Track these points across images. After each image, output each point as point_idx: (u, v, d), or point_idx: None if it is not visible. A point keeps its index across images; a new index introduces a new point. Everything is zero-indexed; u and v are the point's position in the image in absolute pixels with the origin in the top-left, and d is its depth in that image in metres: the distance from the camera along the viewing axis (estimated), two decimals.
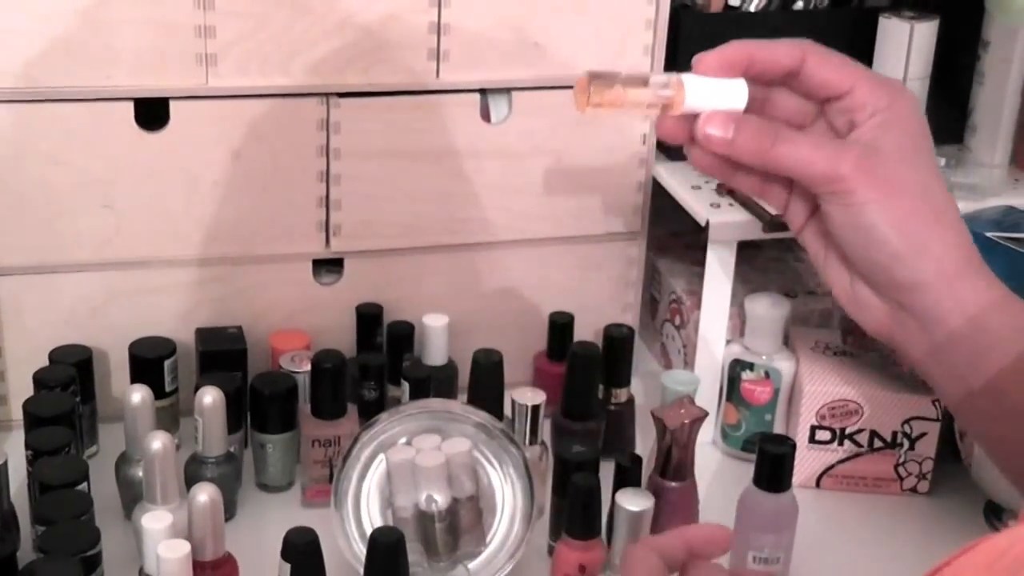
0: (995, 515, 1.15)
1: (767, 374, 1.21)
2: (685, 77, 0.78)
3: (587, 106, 0.78)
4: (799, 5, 1.30)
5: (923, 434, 1.17)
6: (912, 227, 0.78)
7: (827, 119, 0.83)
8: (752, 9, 1.29)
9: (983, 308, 0.79)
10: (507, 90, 1.22)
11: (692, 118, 0.79)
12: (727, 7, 1.28)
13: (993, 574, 0.50)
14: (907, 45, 1.26)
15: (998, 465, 0.87)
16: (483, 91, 1.21)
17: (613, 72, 0.78)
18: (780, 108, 0.83)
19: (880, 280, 0.81)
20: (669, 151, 1.31)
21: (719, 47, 0.80)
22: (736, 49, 0.79)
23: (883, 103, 0.79)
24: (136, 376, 1.15)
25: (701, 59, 0.80)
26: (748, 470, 1.07)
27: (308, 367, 1.15)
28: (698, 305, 1.24)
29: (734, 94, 0.77)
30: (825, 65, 0.80)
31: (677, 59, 1.26)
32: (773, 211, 1.19)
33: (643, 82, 0.77)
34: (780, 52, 0.80)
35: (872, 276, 0.81)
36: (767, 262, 1.36)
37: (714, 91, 0.77)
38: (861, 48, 1.30)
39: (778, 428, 1.22)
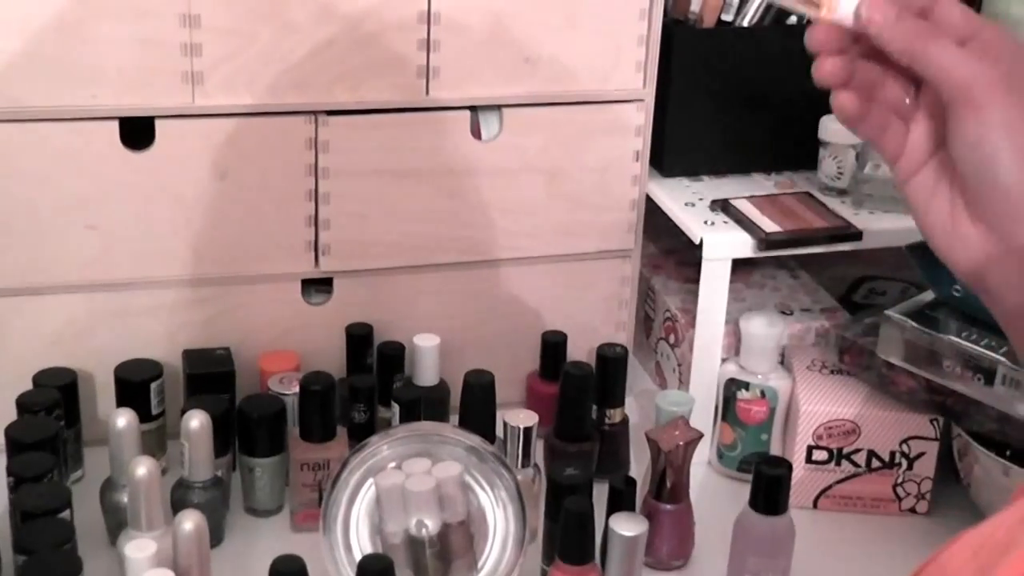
0: None
1: (763, 393, 1.19)
2: None
3: None
4: (792, 20, 1.29)
5: (921, 454, 1.16)
6: None
7: None
8: (745, 24, 1.27)
9: None
10: (498, 107, 1.20)
11: (841, 30, 0.80)
12: (720, 22, 1.27)
13: (979, 559, 0.51)
14: None
15: None
16: (473, 108, 1.20)
17: None
18: None
19: (993, 207, 0.79)
20: (662, 167, 1.29)
21: None
22: None
23: (1011, 49, 0.80)
24: (122, 399, 1.13)
25: None
26: (744, 490, 1.06)
27: (297, 389, 1.13)
28: (693, 323, 1.23)
29: None
30: (956, 7, 0.81)
31: (670, 76, 1.25)
32: (767, 230, 1.18)
33: None
34: None
35: (986, 203, 0.80)
36: (762, 279, 1.35)
37: None
38: None
39: (774, 448, 1.21)
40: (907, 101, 0.84)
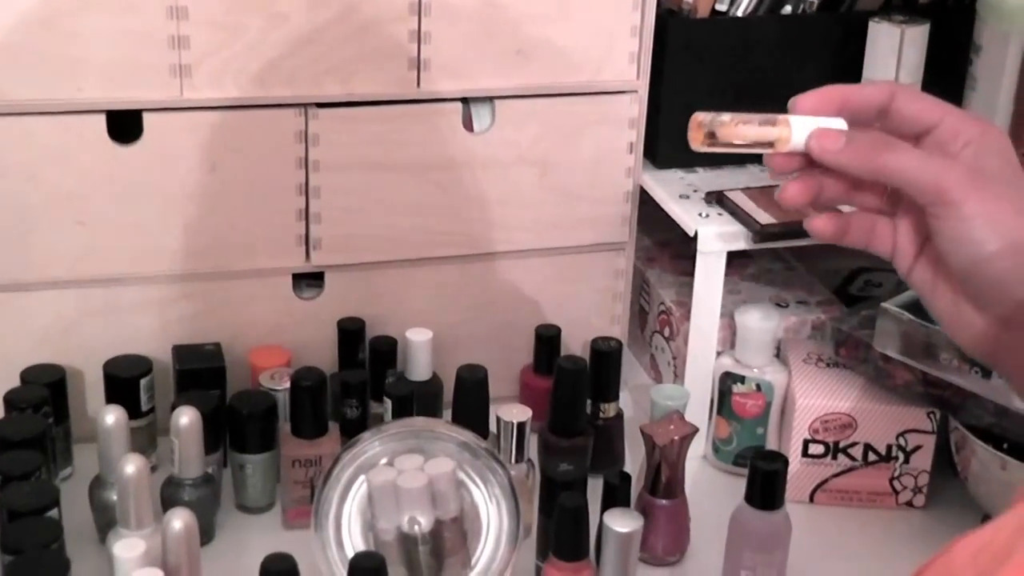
0: None
1: (758, 387, 1.18)
2: (790, 116, 0.80)
3: (702, 143, 0.80)
4: (787, 10, 1.28)
5: (918, 447, 1.15)
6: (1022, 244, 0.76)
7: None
8: (740, 14, 1.26)
9: None
10: (490, 99, 1.19)
11: (798, 154, 0.81)
12: (714, 12, 1.26)
13: (978, 564, 0.51)
14: (898, 50, 1.24)
15: None
16: (465, 100, 1.19)
17: (719, 113, 0.79)
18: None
19: (988, 296, 0.79)
20: (656, 159, 1.28)
21: (812, 91, 0.81)
22: (829, 91, 0.81)
23: (974, 132, 0.79)
24: (111, 396, 1.12)
25: (797, 101, 0.81)
26: (740, 485, 1.05)
27: (288, 385, 1.12)
28: (688, 316, 1.22)
29: (836, 127, 0.79)
30: (914, 100, 0.81)
31: (664, 66, 1.24)
32: (762, 221, 1.17)
33: (751, 120, 0.79)
34: (870, 91, 0.82)
35: (980, 293, 0.79)
36: (758, 272, 1.34)
37: (817, 121, 0.79)
38: (851, 53, 1.27)
39: (770, 442, 1.20)
40: (885, 198, 0.83)
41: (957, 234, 0.77)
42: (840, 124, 0.79)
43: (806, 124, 0.78)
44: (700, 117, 0.80)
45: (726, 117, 0.79)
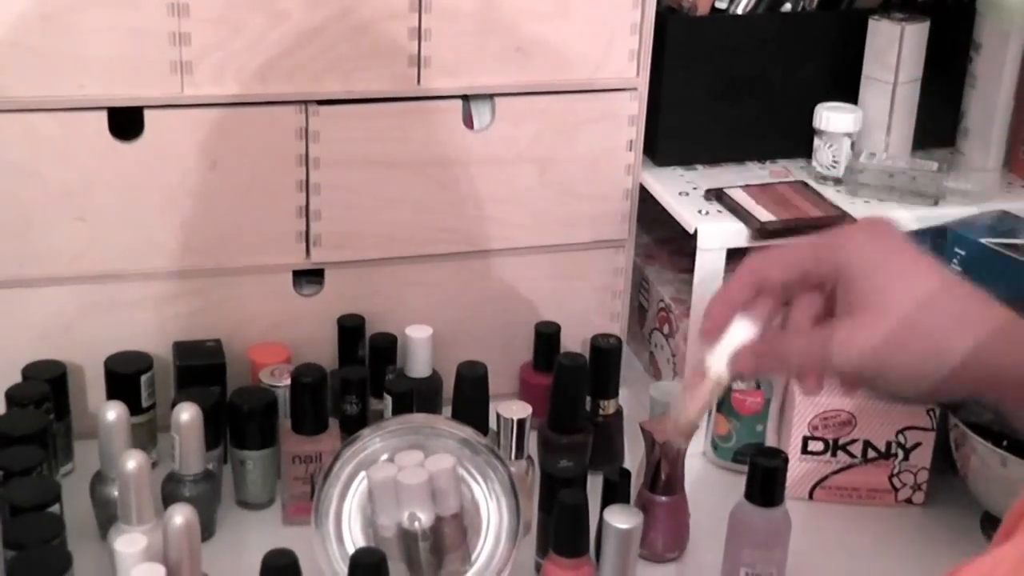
0: (992, 527, 1.13)
1: (758, 384, 1.19)
2: (707, 357, 0.85)
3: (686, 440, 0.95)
4: (787, 7, 1.28)
5: (918, 444, 1.15)
6: (917, 366, 0.78)
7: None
8: (739, 12, 1.26)
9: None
10: (490, 96, 1.19)
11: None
12: (714, 10, 1.26)
13: None
14: (897, 47, 1.24)
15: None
16: (465, 98, 1.19)
17: (669, 409, 0.89)
18: (795, 307, 0.85)
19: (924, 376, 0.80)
20: (656, 156, 1.29)
21: (705, 319, 0.84)
22: (717, 312, 0.84)
23: (830, 270, 0.81)
24: (112, 392, 1.12)
25: (703, 332, 0.85)
26: (739, 482, 1.05)
27: (288, 381, 1.12)
28: (687, 313, 1.22)
29: (742, 333, 0.83)
30: (772, 269, 0.83)
31: (664, 64, 1.24)
32: (761, 219, 1.18)
33: (694, 396, 0.85)
34: (740, 292, 0.83)
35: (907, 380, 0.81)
36: None
37: (728, 343, 0.84)
38: (851, 51, 1.28)
39: (770, 439, 1.20)
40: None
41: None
42: (744, 326, 0.83)
43: (724, 350, 0.83)
44: (669, 436, 0.97)
45: (677, 409, 0.88)
